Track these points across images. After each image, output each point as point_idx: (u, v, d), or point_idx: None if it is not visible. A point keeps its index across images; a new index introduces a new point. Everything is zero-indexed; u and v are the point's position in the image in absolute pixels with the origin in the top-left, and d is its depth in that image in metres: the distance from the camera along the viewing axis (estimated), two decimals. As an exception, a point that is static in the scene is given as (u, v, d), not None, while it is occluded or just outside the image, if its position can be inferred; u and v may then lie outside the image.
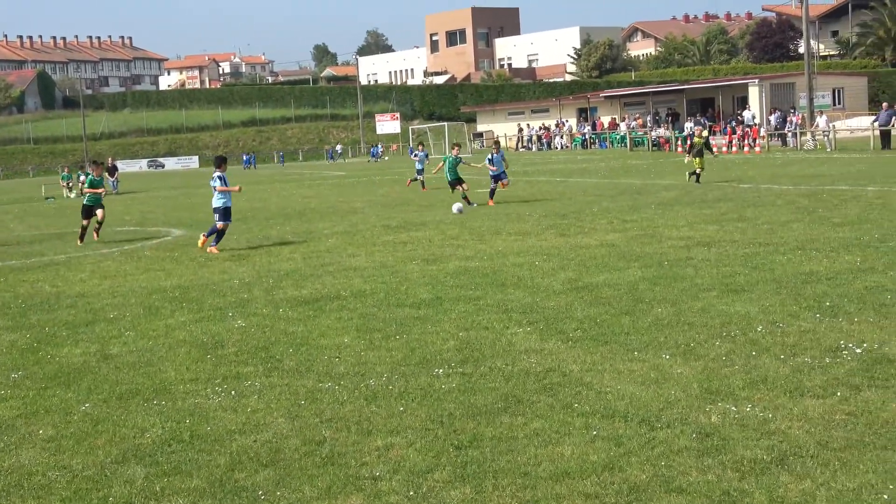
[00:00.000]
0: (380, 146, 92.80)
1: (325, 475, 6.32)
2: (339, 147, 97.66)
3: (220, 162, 20.84)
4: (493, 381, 8.39)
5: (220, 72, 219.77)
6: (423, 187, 37.30)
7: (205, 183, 51.73)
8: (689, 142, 33.19)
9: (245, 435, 7.30)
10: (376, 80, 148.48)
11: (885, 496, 5.46)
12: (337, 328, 11.09)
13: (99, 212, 23.57)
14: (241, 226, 25.97)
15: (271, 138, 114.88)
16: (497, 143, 32.34)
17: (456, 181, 28.40)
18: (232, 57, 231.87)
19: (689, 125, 65.66)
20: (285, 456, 6.77)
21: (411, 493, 5.93)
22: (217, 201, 20.15)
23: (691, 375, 8.23)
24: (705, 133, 33.85)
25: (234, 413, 7.90)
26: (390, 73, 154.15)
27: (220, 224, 19.95)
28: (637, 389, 7.89)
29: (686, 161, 31.79)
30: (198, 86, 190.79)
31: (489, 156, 29.18)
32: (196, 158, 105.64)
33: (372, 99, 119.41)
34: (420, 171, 38.50)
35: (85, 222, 23.38)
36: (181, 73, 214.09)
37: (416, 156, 40.29)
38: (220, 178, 20.17)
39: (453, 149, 29.69)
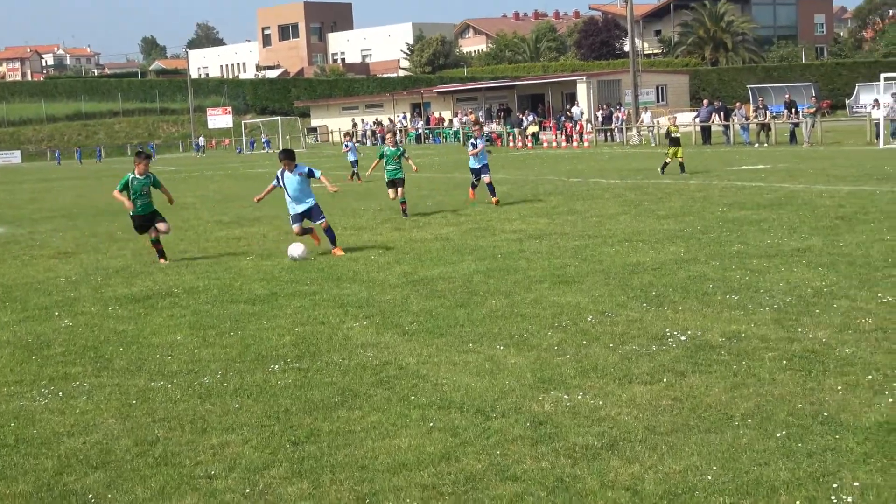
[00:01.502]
0: (201, 139, 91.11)
1: (159, 475, 6.18)
2: (201, 139, 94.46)
3: (291, 156, 16.44)
4: (329, 376, 8.37)
5: (44, 64, 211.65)
6: (359, 178, 34.86)
7: (27, 179, 49.43)
8: (667, 132, 31.23)
9: (74, 437, 7.07)
10: (207, 74, 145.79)
11: (709, 477, 5.69)
12: (169, 326, 10.85)
13: (161, 225, 16.26)
14: (67, 223, 25.14)
15: (98, 132, 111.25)
16: (478, 122, 27.12)
17: (397, 180, 21.66)
18: (56, 49, 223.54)
19: (528, 118, 66.78)
20: (116, 457, 6.59)
21: (247, 490, 5.86)
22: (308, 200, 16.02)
23: (525, 365, 8.38)
24: (678, 121, 31.96)
25: (61, 415, 7.64)
26: (222, 66, 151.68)
27: (323, 224, 15.94)
28: (472, 380, 8.00)
29: (669, 149, 29.94)
30: (19, 78, 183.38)
31: (472, 140, 24.24)
32: (18, 153, 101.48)
33: (203, 93, 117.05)
34: (354, 163, 36.45)
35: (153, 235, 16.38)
36: (1, 64, 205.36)
37: (346, 147, 37.79)
38: (310, 172, 16.06)
39: (388, 136, 24.02)
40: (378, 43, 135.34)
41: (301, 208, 16.02)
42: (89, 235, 21.37)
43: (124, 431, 7.14)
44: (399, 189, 21.53)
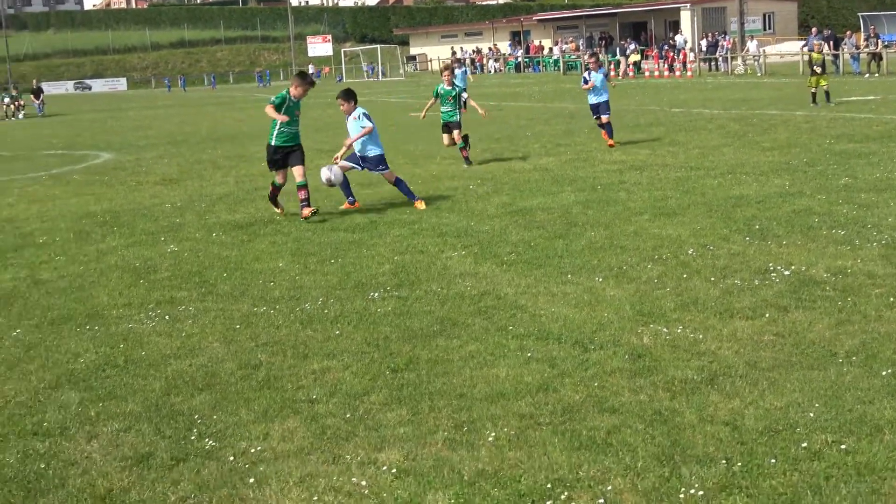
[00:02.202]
0: (310, 67, 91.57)
1: (262, 398, 6.33)
2: (311, 68, 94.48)
3: (352, 96, 14.18)
4: (428, 305, 8.43)
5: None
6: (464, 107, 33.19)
7: (132, 106, 50.52)
8: (809, 60, 29.35)
9: (180, 359, 7.27)
10: (308, 2, 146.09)
11: (811, 414, 5.61)
12: (271, 252, 11.03)
13: (297, 170, 13.40)
14: (172, 149, 25.61)
15: (201, 60, 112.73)
16: (595, 55, 23.67)
17: (451, 123, 18.93)
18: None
19: (630, 47, 65.69)
20: (221, 380, 6.76)
21: (348, 415, 5.96)
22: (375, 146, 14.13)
23: (624, 298, 8.33)
24: (826, 49, 29.86)
25: (168, 338, 7.85)
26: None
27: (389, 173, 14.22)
28: (571, 312, 7.98)
29: (817, 79, 28.09)
30: (124, 5, 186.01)
31: (585, 74, 21.30)
32: (124, 80, 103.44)
33: (304, 21, 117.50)
34: (462, 91, 33.80)
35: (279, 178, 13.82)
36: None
37: (454, 75, 35.48)
38: (365, 115, 14.01)
39: (444, 73, 19.83)
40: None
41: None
42: (193, 162, 21.75)
43: (228, 355, 7.31)
44: (455, 132, 18.76)
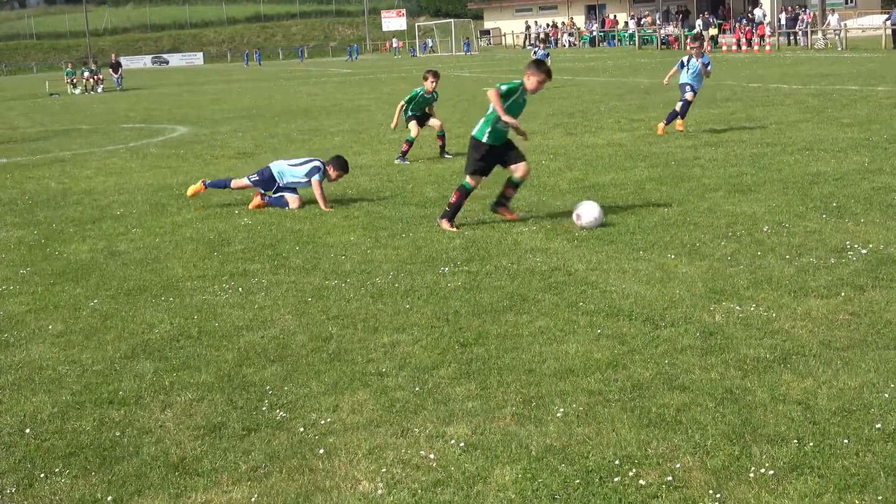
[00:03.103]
0: (355, 46, 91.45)
1: (332, 371, 6.39)
2: (395, 42, 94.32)
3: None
4: (498, 280, 8.43)
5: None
6: None
7: (208, 80, 51.09)
8: None
9: (252, 331, 7.36)
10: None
11: (886, 395, 5.51)
12: (343, 226, 11.10)
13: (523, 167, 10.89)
14: (247, 123, 25.87)
15: (276, 34, 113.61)
16: (699, 38, 22.02)
17: (422, 115, 16.88)
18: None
19: (698, 23, 64.82)
20: (292, 352, 6.83)
21: (417, 388, 6.00)
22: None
23: (696, 275, 8.25)
24: None
25: (241, 309, 7.95)
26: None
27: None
28: (642, 288, 7.93)
29: None
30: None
31: (684, 59, 18.81)
32: (200, 55, 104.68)
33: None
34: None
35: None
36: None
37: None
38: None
39: (430, 79, 16.65)
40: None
41: None
42: (267, 136, 21.96)
43: (300, 327, 7.38)
44: (433, 120, 16.96)
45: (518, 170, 10.76)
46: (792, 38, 59.34)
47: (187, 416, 5.77)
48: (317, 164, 12.50)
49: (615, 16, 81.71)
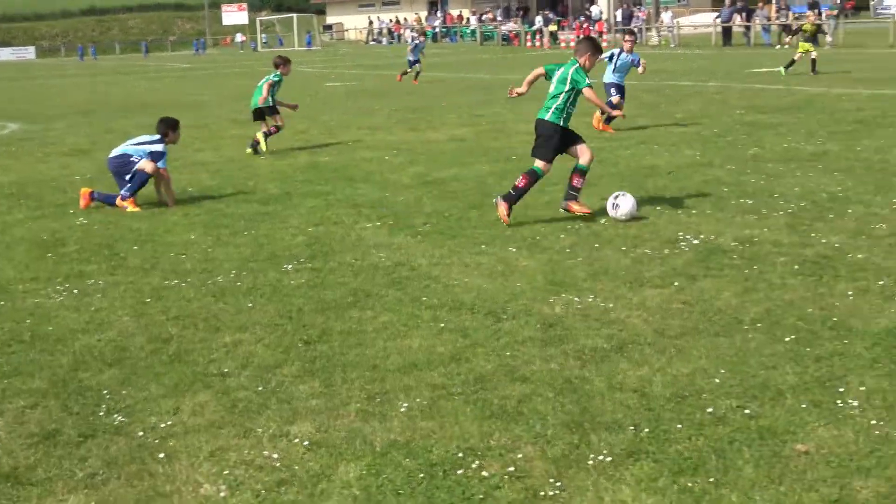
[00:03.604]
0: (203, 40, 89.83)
1: (173, 373, 6.26)
2: (239, 36, 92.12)
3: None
4: (342, 276, 8.41)
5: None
6: (415, 79, 33.07)
7: (40, 75, 49.36)
8: (795, 30, 30.58)
9: (89, 334, 7.15)
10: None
11: (717, 380, 5.73)
12: (183, 224, 10.89)
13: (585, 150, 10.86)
14: (82, 119, 25.10)
15: (112, 28, 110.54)
16: (632, 32, 21.25)
17: (266, 109, 16.82)
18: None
19: (538, 18, 65.92)
20: (131, 354, 6.67)
21: (260, 388, 5.93)
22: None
23: (536, 268, 8.40)
24: (812, 19, 30.63)
25: (76, 312, 7.72)
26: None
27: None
28: (484, 282, 8.03)
29: (798, 47, 28.91)
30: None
31: (615, 50, 18.30)
32: (32, 49, 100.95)
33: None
34: (413, 63, 33.64)
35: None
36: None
37: (411, 44, 34.87)
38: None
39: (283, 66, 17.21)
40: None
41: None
42: (104, 132, 21.35)
43: (139, 329, 7.21)
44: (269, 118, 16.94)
45: (583, 154, 10.48)
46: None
47: (19, 423, 5.57)
48: (160, 148, 12.00)
49: (460, 12, 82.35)
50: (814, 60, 28.37)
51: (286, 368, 6.25)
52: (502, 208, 10.13)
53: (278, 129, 16.73)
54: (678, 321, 6.86)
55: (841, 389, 5.54)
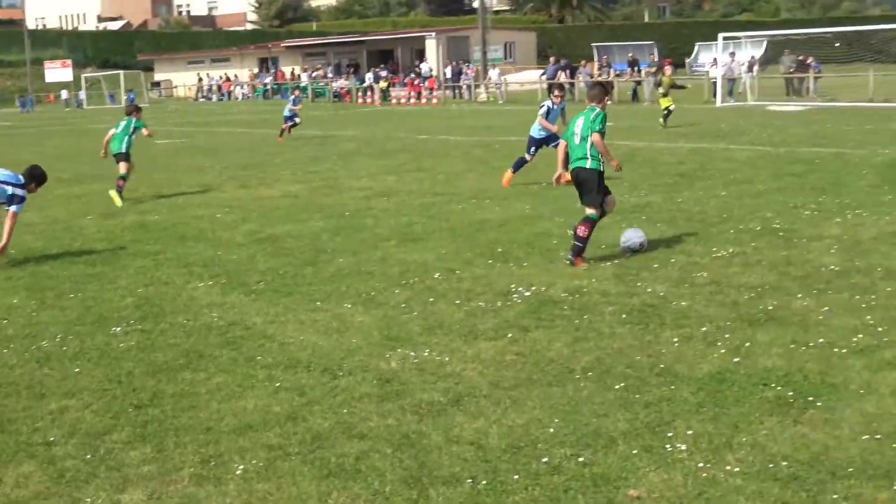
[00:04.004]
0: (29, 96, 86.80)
1: (-6, 443, 6.00)
2: (64, 93, 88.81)
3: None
4: (174, 337, 8.23)
5: None
6: (280, 136, 31.17)
7: None
8: (657, 81, 31.73)
9: None
10: (45, 25, 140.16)
11: (551, 429, 5.83)
12: (5, 288, 10.48)
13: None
14: None
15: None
16: (561, 86, 20.99)
17: (121, 155, 17.31)
18: None
19: (369, 76, 66.44)
20: (-51, 426, 6.36)
21: (88, 456, 5.73)
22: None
23: (372, 323, 8.41)
24: (668, 70, 32.08)
25: None
26: (61, 17, 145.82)
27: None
28: (320, 339, 7.99)
29: (660, 100, 29.93)
30: None
31: (548, 104, 18.45)
32: None
33: (41, 45, 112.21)
34: (288, 119, 31.34)
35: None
36: None
37: (293, 101, 32.68)
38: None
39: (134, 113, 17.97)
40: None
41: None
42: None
43: (-43, 399, 6.88)
44: (123, 164, 17.37)
45: (609, 202, 10.88)
46: (457, 91, 61.98)
47: None
48: (21, 193, 11.59)
49: (293, 69, 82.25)
50: (669, 113, 29.42)
51: (116, 434, 6.07)
52: (578, 262, 10.37)
53: (125, 179, 17.17)
54: (512, 372, 6.97)
55: (669, 434, 5.72)
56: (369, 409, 6.34)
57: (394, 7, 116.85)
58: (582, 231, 10.43)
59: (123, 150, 17.37)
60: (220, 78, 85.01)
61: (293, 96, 33.94)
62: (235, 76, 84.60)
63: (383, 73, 66.62)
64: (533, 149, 17.80)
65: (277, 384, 6.90)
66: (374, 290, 9.65)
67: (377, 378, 6.95)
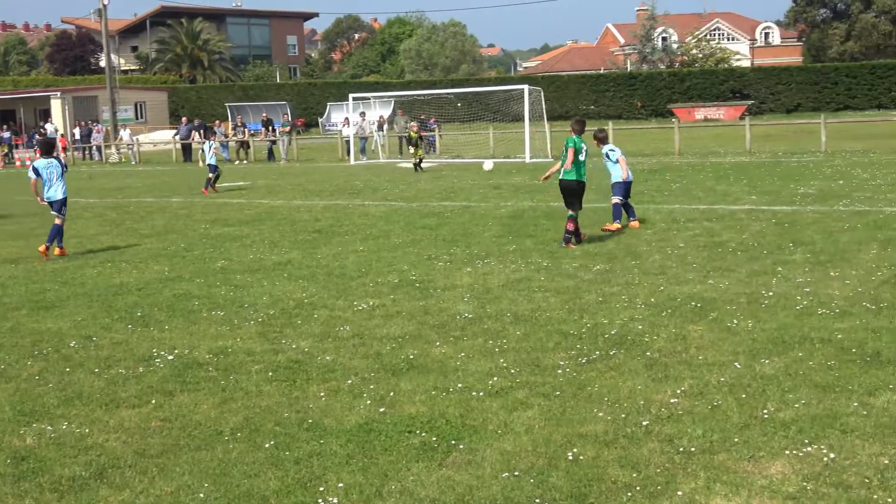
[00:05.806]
0: None
1: None
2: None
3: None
4: None
5: None
6: (205, 188, 28.21)
7: None
8: (409, 138, 35.22)
9: None
10: None
11: (201, 494, 5.72)
12: None
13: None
14: None
15: None
16: (586, 131, 16.14)
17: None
18: None
19: (4, 134, 62.63)
20: None
21: None
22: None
23: (3, 398, 7.90)
24: (415, 128, 35.44)
25: None
26: None
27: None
28: (-57, 420, 7.39)
29: (411, 153, 33.83)
30: None
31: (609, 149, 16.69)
32: None
33: None
34: (212, 168, 28.40)
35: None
36: None
37: (212, 148, 29.43)
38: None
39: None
40: None
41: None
42: None
43: None
44: None
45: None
46: (87, 152, 59.77)
47: None
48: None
49: None
50: (420, 161, 33.53)
51: None
52: (569, 246, 14.40)
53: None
54: (158, 439, 6.77)
55: (321, 488, 5.77)
56: (4, 490, 5.94)
57: (14, 66, 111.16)
58: (570, 226, 14.50)
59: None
60: None
61: (209, 143, 30.73)
62: None
63: (6, 135, 63.06)
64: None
65: None
66: (4, 362, 9.07)
67: (11, 456, 6.52)
